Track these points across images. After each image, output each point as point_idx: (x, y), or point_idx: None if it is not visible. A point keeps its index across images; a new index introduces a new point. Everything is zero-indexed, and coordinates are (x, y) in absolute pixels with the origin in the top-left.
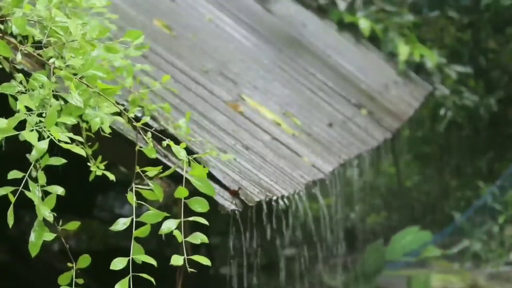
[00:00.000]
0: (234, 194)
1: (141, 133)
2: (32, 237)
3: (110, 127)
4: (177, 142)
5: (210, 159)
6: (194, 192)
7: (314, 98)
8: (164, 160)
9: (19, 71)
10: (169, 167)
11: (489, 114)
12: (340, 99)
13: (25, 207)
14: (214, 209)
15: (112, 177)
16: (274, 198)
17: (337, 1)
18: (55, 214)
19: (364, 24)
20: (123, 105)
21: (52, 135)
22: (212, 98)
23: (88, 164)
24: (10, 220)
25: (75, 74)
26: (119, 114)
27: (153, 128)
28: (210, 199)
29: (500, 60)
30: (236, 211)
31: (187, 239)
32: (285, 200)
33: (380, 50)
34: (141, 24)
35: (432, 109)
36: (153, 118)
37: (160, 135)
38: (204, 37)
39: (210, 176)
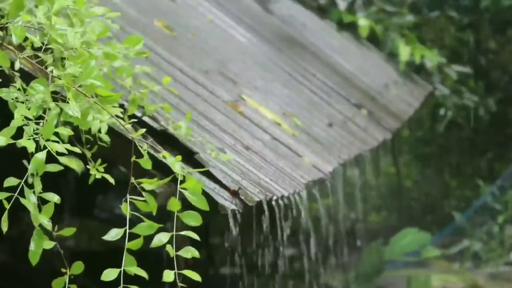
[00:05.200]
0: (234, 194)
1: (138, 144)
2: (32, 246)
3: (110, 127)
4: (177, 142)
5: (210, 159)
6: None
7: (314, 98)
8: (164, 160)
9: (19, 77)
10: (168, 167)
11: (489, 114)
12: (340, 99)
13: (25, 208)
14: (214, 209)
15: (112, 180)
16: (274, 198)
17: (337, 1)
18: (50, 221)
19: (364, 24)
20: (123, 105)
21: (48, 146)
22: (212, 98)
23: (87, 166)
24: (4, 226)
25: (74, 78)
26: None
27: (151, 136)
28: (209, 199)
29: (500, 61)
30: (236, 211)
31: (179, 253)
32: (285, 200)
33: (380, 50)
34: (141, 24)
35: (432, 109)
36: (153, 118)
37: (159, 136)
38: (204, 37)
39: (210, 176)
